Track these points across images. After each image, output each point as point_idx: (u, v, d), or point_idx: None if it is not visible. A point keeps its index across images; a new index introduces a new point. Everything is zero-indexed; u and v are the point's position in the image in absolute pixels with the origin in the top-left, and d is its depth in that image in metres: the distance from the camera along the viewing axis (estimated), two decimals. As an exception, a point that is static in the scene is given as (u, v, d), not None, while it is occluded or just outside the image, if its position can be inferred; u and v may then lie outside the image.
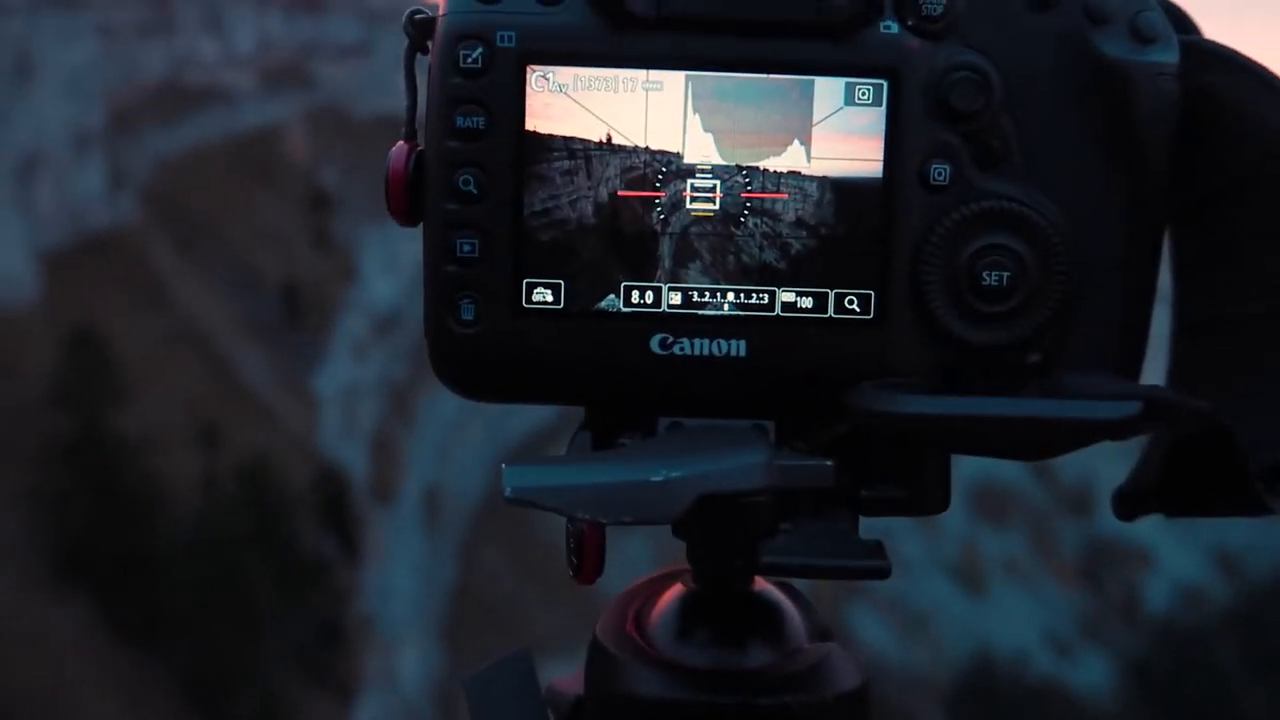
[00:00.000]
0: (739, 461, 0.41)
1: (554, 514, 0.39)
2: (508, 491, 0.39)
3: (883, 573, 0.43)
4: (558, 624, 25.09)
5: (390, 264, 30.49)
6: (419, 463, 27.57)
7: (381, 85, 36.43)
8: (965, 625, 30.04)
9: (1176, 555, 33.38)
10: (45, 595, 18.07)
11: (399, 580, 24.45)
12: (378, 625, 22.95)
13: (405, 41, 0.43)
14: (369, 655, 22.17)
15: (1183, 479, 0.43)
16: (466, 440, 29.25)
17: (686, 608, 0.47)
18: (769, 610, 0.47)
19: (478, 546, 27.41)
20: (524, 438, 29.12)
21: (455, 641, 24.53)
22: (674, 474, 0.40)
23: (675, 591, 0.48)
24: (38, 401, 19.55)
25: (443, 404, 29.48)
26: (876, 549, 0.43)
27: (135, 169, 26.85)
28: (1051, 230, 0.42)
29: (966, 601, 31.61)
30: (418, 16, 0.43)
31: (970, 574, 32.15)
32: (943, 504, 0.45)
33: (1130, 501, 0.45)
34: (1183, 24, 0.44)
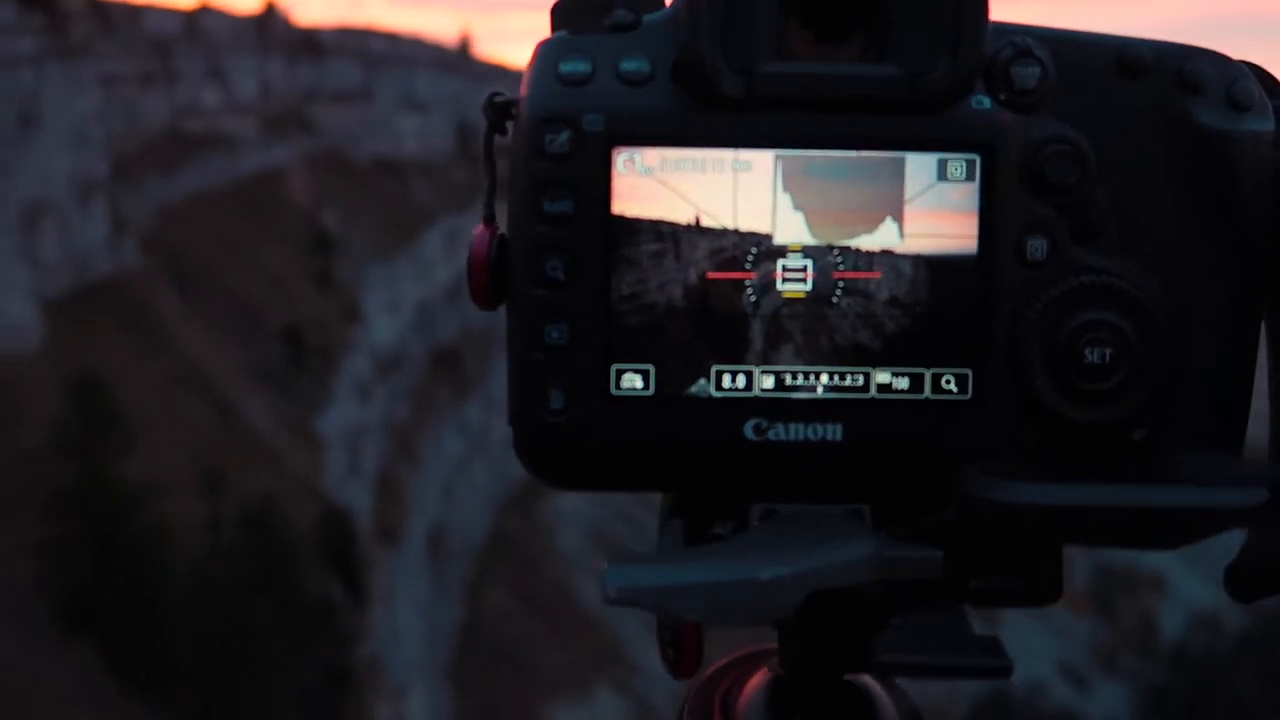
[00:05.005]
0: (847, 554, 0.40)
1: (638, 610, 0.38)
2: (611, 593, 0.38)
3: (1005, 672, 0.41)
4: (565, 664, 24.82)
5: (392, 304, 30.55)
6: (424, 503, 27.44)
7: (381, 129, 36.75)
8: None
9: (1190, 582, 33.09)
10: (52, 643, 17.92)
11: (405, 622, 24.24)
12: (385, 668, 22.72)
13: (484, 124, 0.42)
14: (376, 698, 21.93)
15: None
16: (471, 480, 29.12)
17: (778, 696, 0.45)
18: (862, 698, 0.46)
19: (484, 586, 27.19)
20: (528, 478, 28.88)
21: (463, 683, 24.26)
22: (783, 571, 0.39)
23: (763, 678, 0.46)
24: (42, 448, 19.51)
25: (447, 444, 29.39)
26: (993, 646, 0.42)
27: (138, 216, 27.01)
28: (1153, 304, 0.41)
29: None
30: (497, 99, 0.42)
31: (982, 605, 31.76)
32: (1055, 594, 0.43)
33: (1248, 583, 0.43)
34: (1274, 89, 0.43)
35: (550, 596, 26.95)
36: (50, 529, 18.32)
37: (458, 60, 45.35)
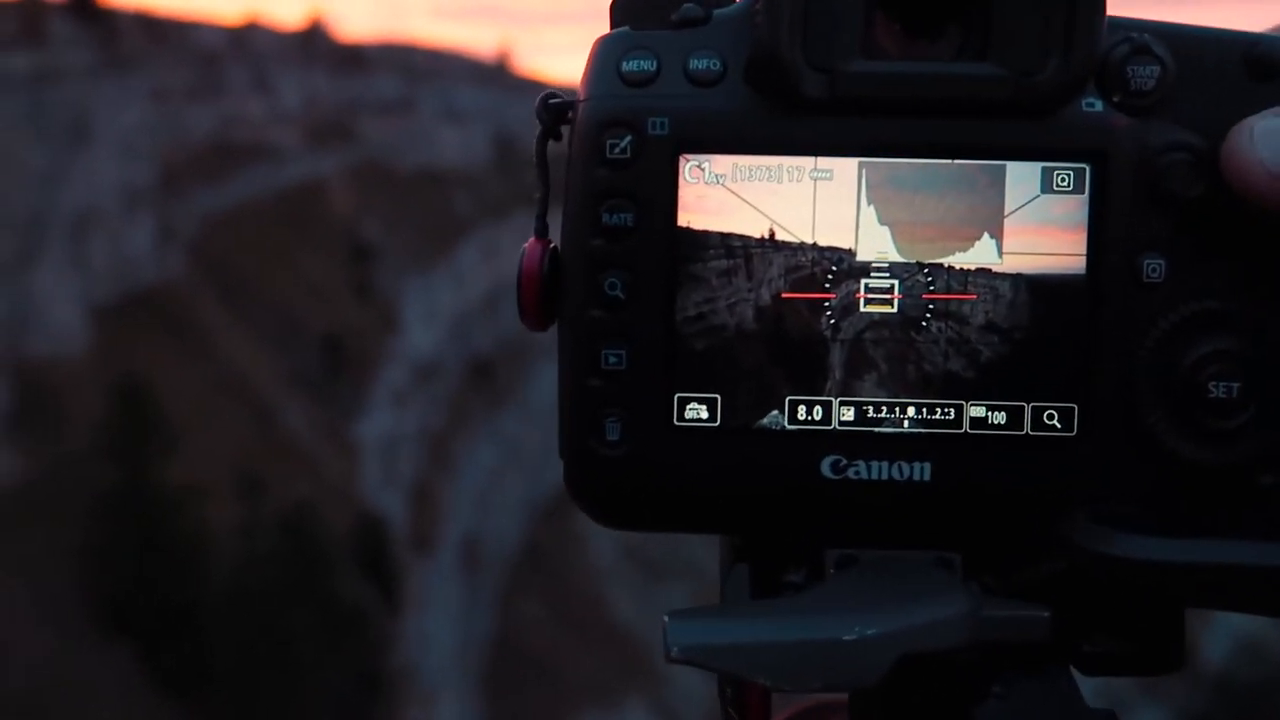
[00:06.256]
0: (943, 612, 0.36)
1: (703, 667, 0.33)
2: (674, 651, 0.34)
3: None
4: (595, 675, 24.82)
5: (430, 314, 30.83)
6: (458, 512, 27.61)
7: (421, 141, 37.18)
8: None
9: (1232, 605, 32.41)
10: (91, 644, 18.25)
11: (438, 630, 24.39)
12: (417, 675, 22.87)
13: (537, 127, 0.39)
14: (408, 705, 22.08)
15: None
16: (506, 489, 29.27)
17: None
18: None
19: (517, 596, 27.29)
20: (561, 489, 28.99)
21: (494, 691, 24.35)
22: (869, 631, 0.34)
23: None
24: (86, 451, 19.92)
25: (481, 453, 29.56)
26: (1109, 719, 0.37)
27: (183, 225, 27.54)
28: None
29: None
30: (552, 101, 0.38)
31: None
32: (1178, 661, 0.39)
33: None
34: None
35: (582, 607, 26.99)
36: (92, 531, 18.67)
37: (497, 74, 45.82)
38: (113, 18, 28.71)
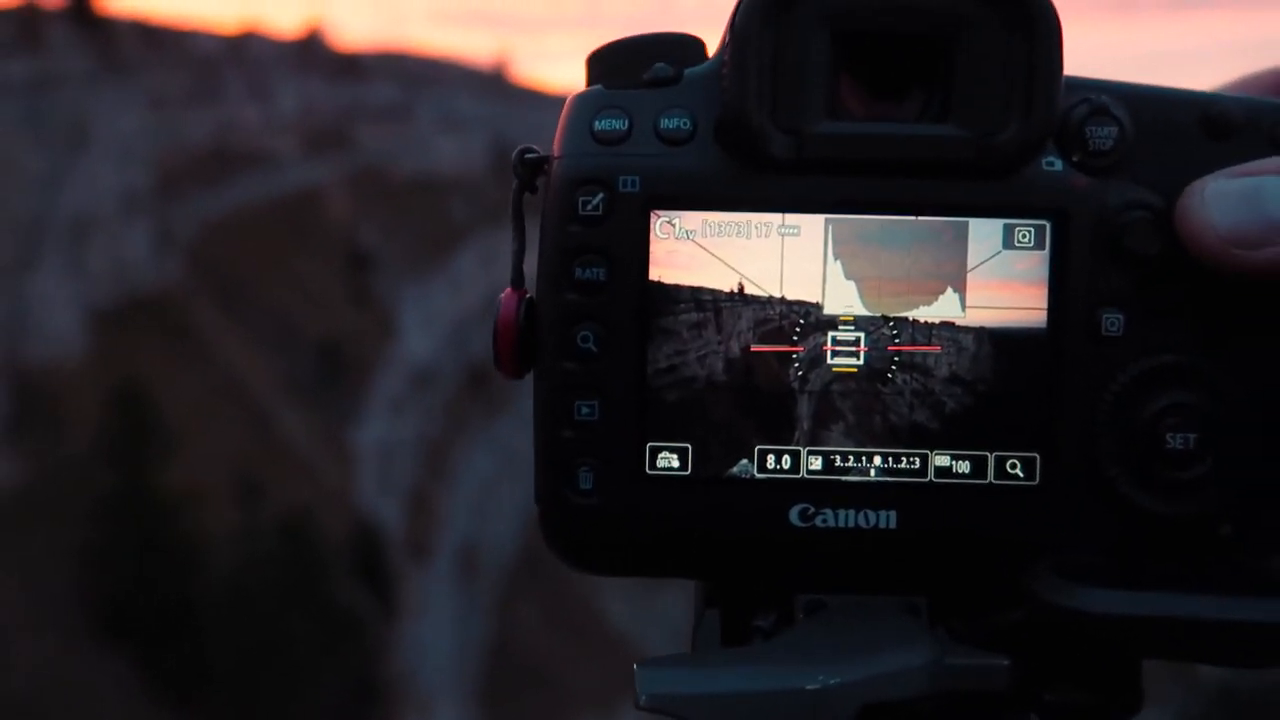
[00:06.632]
0: (904, 661, 0.36)
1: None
2: (642, 699, 0.35)
3: None
4: (592, 682, 24.81)
5: (427, 321, 30.87)
6: (455, 519, 27.61)
7: (418, 148, 37.27)
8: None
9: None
10: (89, 647, 18.21)
11: (435, 637, 24.36)
12: (414, 682, 22.84)
13: (514, 182, 0.39)
14: (405, 712, 22.04)
15: None
16: (503, 497, 29.29)
17: None
18: None
19: (513, 603, 27.28)
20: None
21: (491, 699, 24.32)
22: (832, 681, 0.35)
23: None
24: (84, 455, 19.90)
25: (479, 460, 29.58)
26: None
27: (181, 231, 27.56)
28: (1241, 387, 0.37)
29: None
30: (528, 156, 0.39)
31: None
32: (1135, 708, 0.39)
33: None
34: None
35: (578, 614, 26.98)
36: (91, 535, 18.65)
37: (495, 81, 45.96)
38: (111, 25, 28.76)
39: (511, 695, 24.11)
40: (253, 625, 18.34)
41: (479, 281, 33.35)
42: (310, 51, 36.61)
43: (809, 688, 0.35)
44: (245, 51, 34.07)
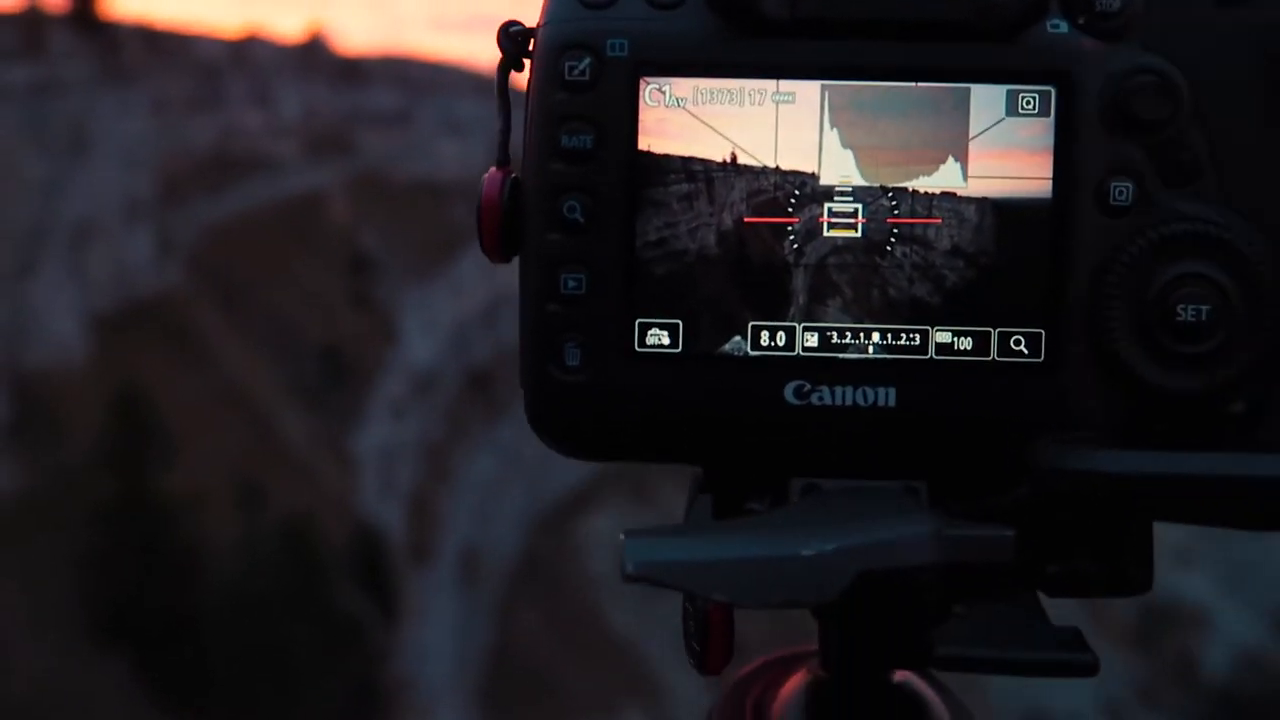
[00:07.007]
0: (904, 531, 0.35)
1: (672, 590, 0.33)
2: (629, 568, 0.33)
3: (1088, 669, 0.35)
4: (594, 686, 24.76)
5: (429, 325, 30.88)
6: (457, 522, 27.59)
7: (420, 153, 37.31)
8: (1018, 693, 29.28)
9: (1235, 618, 32.44)
10: (91, 652, 18.20)
11: (437, 641, 24.33)
12: (415, 686, 22.81)
13: (500, 56, 0.38)
14: (406, 716, 22.00)
15: None
16: (504, 500, 29.26)
17: (817, 699, 0.41)
18: (912, 702, 0.41)
19: (515, 607, 27.24)
20: (562, 497, 29.07)
21: (493, 703, 24.28)
22: (827, 547, 0.34)
23: (801, 679, 0.42)
24: (85, 460, 19.91)
25: (480, 463, 29.56)
26: (1074, 638, 0.36)
27: (183, 236, 27.59)
28: (1256, 256, 0.36)
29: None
30: (513, 29, 0.38)
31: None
32: (1145, 583, 0.38)
33: None
34: None
35: (580, 619, 26.93)
36: (91, 540, 18.64)
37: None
38: (113, 30, 28.83)
39: (513, 699, 24.06)
40: (254, 630, 18.32)
41: (481, 286, 33.37)
42: (312, 57, 36.69)
43: (804, 553, 0.34)
44: (247, 57, 34.13)
